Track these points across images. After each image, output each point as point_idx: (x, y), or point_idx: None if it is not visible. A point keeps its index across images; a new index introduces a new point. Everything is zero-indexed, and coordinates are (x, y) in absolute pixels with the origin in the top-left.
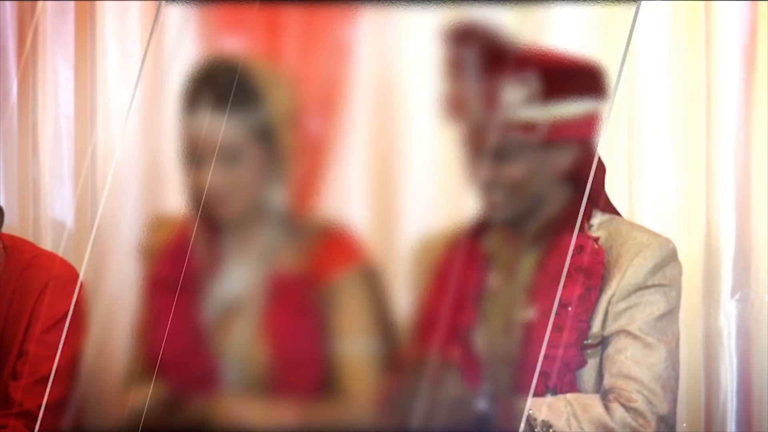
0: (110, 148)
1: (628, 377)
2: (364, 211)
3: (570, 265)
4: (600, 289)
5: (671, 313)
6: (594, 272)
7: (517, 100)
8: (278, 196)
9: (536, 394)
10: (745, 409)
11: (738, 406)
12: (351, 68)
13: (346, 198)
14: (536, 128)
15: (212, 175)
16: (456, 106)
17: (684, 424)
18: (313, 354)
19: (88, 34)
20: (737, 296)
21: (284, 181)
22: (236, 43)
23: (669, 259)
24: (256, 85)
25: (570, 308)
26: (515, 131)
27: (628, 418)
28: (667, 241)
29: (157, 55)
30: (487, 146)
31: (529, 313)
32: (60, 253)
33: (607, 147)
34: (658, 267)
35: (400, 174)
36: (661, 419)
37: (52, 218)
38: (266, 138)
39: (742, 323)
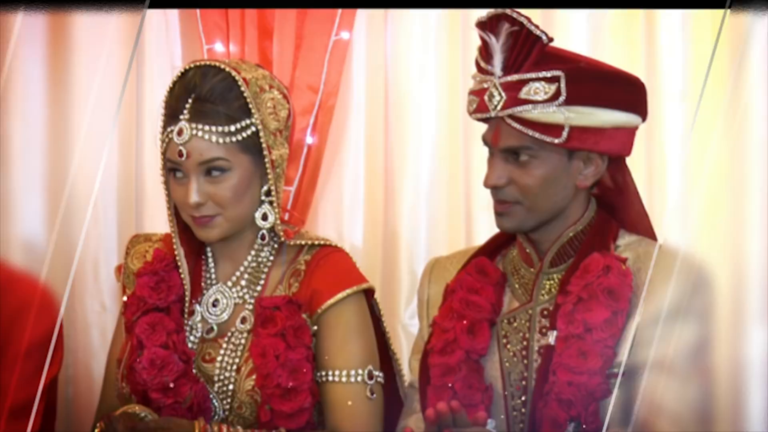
0: (87, 162)
1: (663, 412)
2: (363, 228)
3: (597, 286)
4: (627, 313)
5: (706, 344)
6: (621, 295)
7: (541, 97)
8: (266, 213)
9: (558, 424)
10: None
11: None
12: (347, 74)
13: (343, 212)
14: (560, 131)
15: (197, 189)
16: (479, 100)
17: None
18: (302, 381)
19: (63, 42)
20: (765, 321)
21: (273, 197)
22: (222, 50)
23: (704, 285)
24: (243, 94)
25: (595, 332)
26: (535, 130)
27: None
28: (702, 265)
29: (139, 63)
30: (504, 145)
31: (550, 337)
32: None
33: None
34: (691, 293)
35: (401, 186)
36: None
37: (23, 236)
38: (253, 150)
39: None
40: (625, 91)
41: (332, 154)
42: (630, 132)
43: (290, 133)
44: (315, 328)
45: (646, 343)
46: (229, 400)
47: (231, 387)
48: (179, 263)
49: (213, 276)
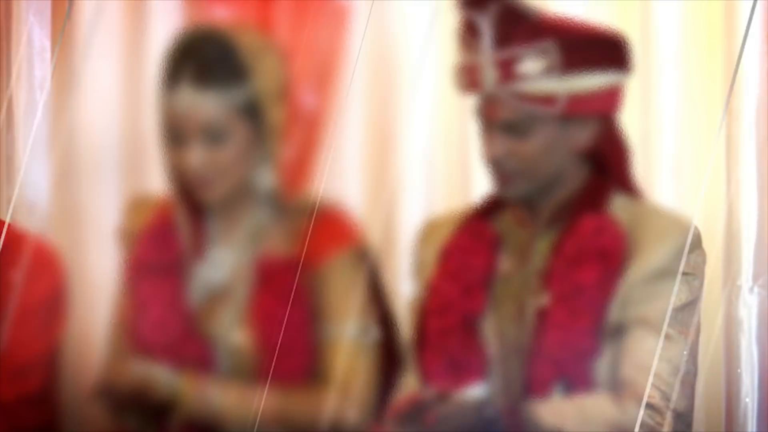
0: (89, 123)
1: (646, 371)
2: (362, 190)
3: (589, 247)
4: (620, 274)
5: (693, 304)
6: (614, 256)
7: (535, 71)
8: (266, 176)
9: (547, 383)
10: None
11: (759, 399)
12: (348, 39)
13: (343, 176)
14: (555, 101)
15: (195, 155)
16: (470, 77)
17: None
18: (302, 340)
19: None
20: (759, 282)
21: (272, 160)
22: (222, 13)
23: (693, 245)
24: (242, 58)
25: (587, 293)
26: (532, 103)
27: (644, 416)
28: (692, 226)
29: (139, 24)
30: (502, 119)
31: (544, 299)
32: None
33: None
34: (682, 253)
35: (400, 150)
36: (678, 416)
37: (27, 198)
38: (253, 114)
39: (763, 311)
40: (614, 51)
41: (332, 118)
42: (620, 89)
43: (287, 94)
44: (315, 284)
45: (635, 302)
46: (234, 359)
47: (236, 346)
48: (180, 223)
49: (213, 236)
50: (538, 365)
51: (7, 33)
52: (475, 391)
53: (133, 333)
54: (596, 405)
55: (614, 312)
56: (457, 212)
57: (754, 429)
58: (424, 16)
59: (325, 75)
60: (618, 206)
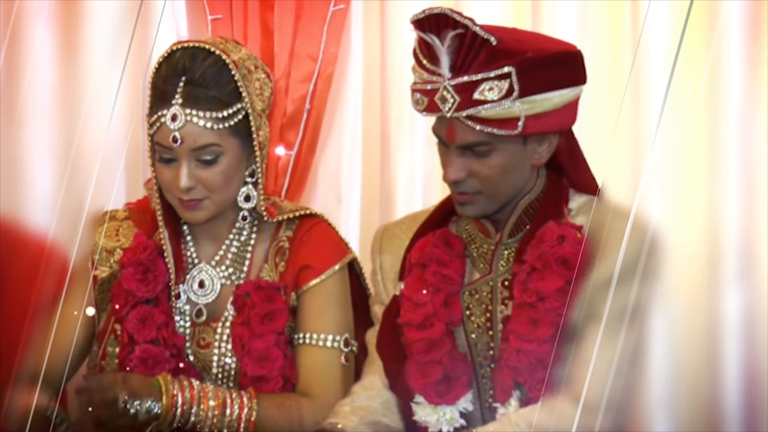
0: (94, 128)
1: (584, 368)
2: (360, 189)
3: (551, 256)
4: (580, 280)
5: (643, 304)
6: (575, 264)
7: (495, 96)
8: (249, 194)
9: (505, 390)
10: (750, 399)
11: (744, 396)
12: (346, 43)
13: (342, 175)
14: (515, 123)
15: (187, 176)
16: (428, 100)
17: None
18: (270, 369)
19: (73, 13)
20: (741, 282)
21: (259, 178)
22: (226, 21)
23: (652, 248)
24: (233, 77)
25: (547, 301)
26: (492, 126)
27: (574, 412)
28: (649, 226)
29: (145, 34)
30: (461, 142)
31: (509, 307)
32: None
33: (611, 126)
34: (640, 257)
35: (396, 149)
36: (609, 411)
37: (37, 197)
38: (243, 133)
39: (746, 310)
40: (570, 67)
41: (331, 119)
42: (576, 102)
43: (270, 111)
44: (297, 302)
45: (589, 305)
46: (229, 384)
47: (232, 373)
48: (164, 247)
49: (195, 256)
50: (499, 372)
51: (18, 40)
52: (466, 404)
53: (121, 366)
54: (529, 416)
55: (576, 316)
56: (411, 215)
57: (738, 424)
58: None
59: (323, 79)
60: (577, 209)
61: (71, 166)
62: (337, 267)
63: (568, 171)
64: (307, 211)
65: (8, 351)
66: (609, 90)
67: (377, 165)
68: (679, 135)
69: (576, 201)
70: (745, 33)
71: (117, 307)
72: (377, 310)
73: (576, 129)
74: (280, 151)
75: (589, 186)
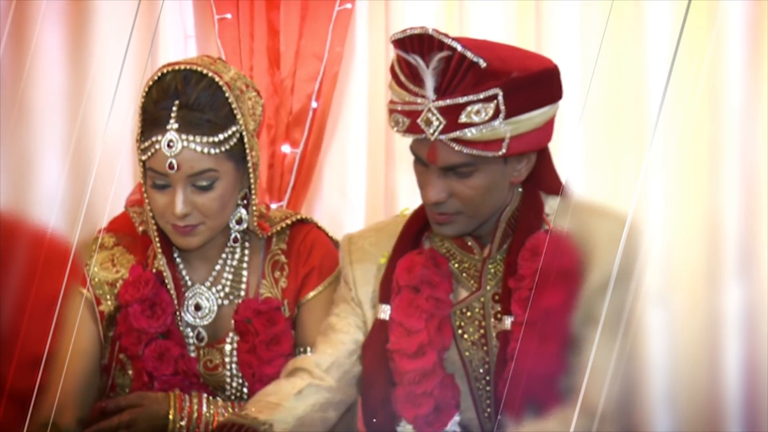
0: (102, 125)
1: (592, 375)
2: (365, 186)
3: (549, 269)
4: (580, 289)
5: (632, 301)
6: (574, 274)
7: (480, 119)
8: (241, 216)
9: (520, 406)
10: (751, 395)
11: (744, 393)
12: (351, 42)
13: (347, 172)
14: (499, 145)
15: (183, 201)
16: (410, 121)
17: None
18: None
19: (83, 13)
20: (742, 278)
21: (252, 198)
22: (233, 20)
23: (632, 245)
24: (227, 98)
25: (554, 317)
26: (476, 148)
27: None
28: (625, 222)
29: (152, 33)
30: (443, 163)
31: (506, 322)
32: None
33: (614, 124)
34: (624, 256)
35: (401, 147)
36: (606, 415)
37: (42, 193)
38: (237, 156)
39: (747, 307)
40: (551, 85)
41: (336, 117)
42: (554, 119)
43: (260, 127)
44: (297, 318)
45: (591, 309)
46: (242, 401)
47: (244, 390)
48: (165, 274)
49: (188, 278)
50: (509, 390)
51: (24, 36)
52: (454, 426)
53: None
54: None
55: (576, 324)
56: (374, 228)
57: (738, 422)
58: (424, 21)
59: (328, 78)
60: (553, 213)
61: (75, 163)
62: (332, 278)
63: (539, 179)
64: (296, 217)
65: (8, 344)
66: (610, 90)
67: (382, 163)
68: (679, 132)
69: (549, 204)
70: (745, 31)
71: (128, 345)
72: (344, 294)
73: (575, 129)
74: (285, 149)
75: (556, 184)
